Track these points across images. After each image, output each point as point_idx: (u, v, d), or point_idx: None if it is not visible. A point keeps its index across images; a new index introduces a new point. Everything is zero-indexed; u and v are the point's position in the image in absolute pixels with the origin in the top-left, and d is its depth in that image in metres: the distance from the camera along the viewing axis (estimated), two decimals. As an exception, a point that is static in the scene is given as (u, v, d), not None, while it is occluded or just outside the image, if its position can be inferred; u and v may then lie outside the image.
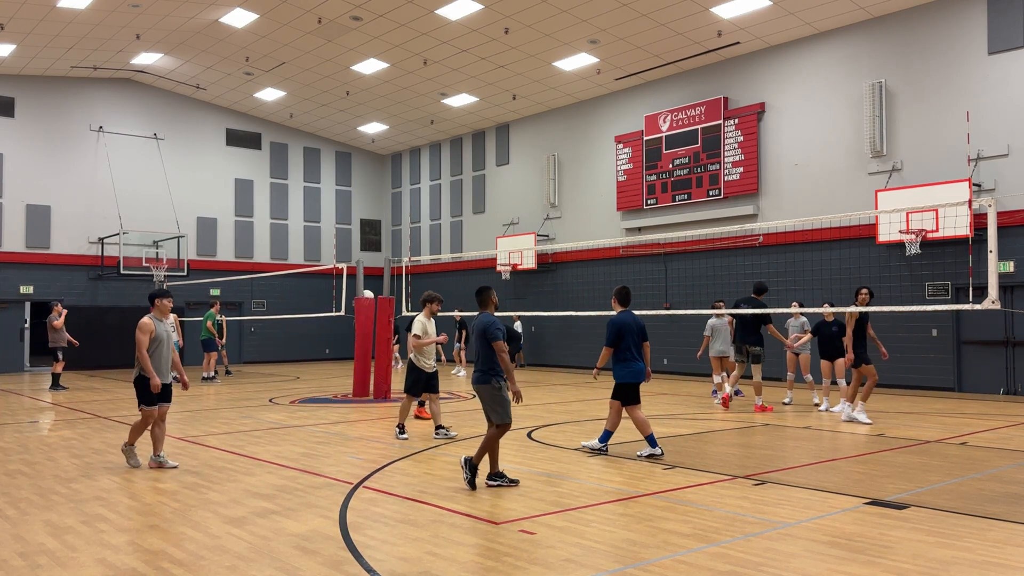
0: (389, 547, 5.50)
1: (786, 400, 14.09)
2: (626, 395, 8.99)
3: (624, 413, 9.08)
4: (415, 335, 10.39)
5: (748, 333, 13.05)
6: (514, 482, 7.37)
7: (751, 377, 13.16)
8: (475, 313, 7.81)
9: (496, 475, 7.38)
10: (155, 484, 7.66)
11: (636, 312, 9.20)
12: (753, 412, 12.88)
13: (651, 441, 8.86)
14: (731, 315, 13.94)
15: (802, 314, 14.80)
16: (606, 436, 9.12)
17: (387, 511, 6.51)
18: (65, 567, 5.10)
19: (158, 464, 8.44)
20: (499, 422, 7.35)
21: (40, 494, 7.23)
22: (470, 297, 26.71)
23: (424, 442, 10.08)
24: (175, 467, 8.45)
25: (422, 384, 10.53)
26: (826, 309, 12.82)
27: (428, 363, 10.52)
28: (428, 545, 5.54)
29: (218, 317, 20.62)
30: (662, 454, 8.82)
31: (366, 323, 15.62)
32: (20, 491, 7.36)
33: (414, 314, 13.50)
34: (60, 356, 17.84)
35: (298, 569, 5.03)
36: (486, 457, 7.43)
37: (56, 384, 17.72)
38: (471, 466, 7.27)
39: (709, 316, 15.03)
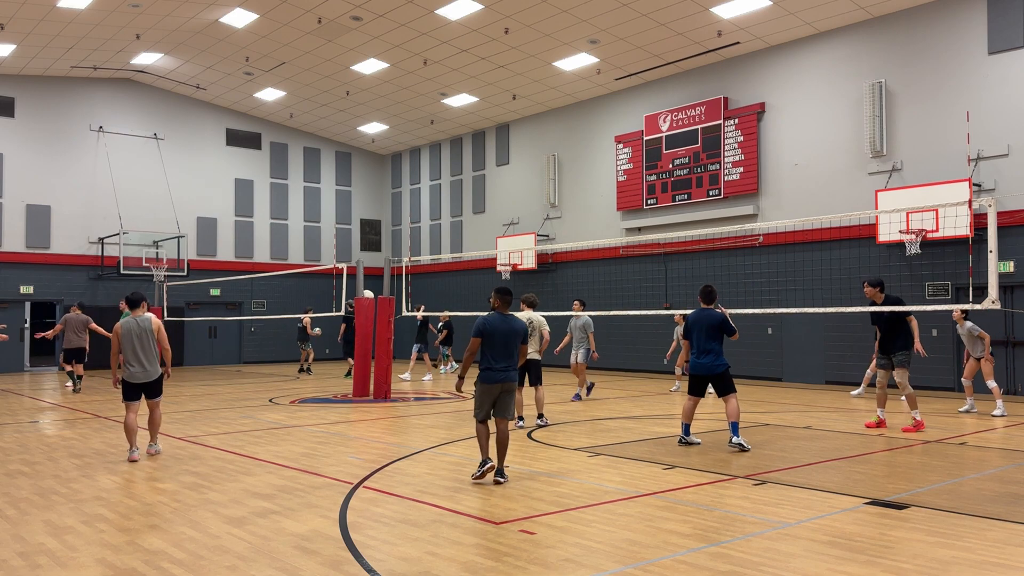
0: (389, 547, 5.50)
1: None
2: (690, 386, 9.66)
3: (725, 400, 9.46)
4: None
5: (897, 337, 11.09)
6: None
7: (893, 386, 11.44)
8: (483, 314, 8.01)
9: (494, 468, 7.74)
10: (155, 484, 7.66)
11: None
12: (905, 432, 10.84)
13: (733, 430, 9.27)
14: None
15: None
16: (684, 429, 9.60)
17: (387, 511, 6.51)
18: (65, 567, 5.10)
19: (157, 452, 9.23)
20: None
21: (40, 494, 7.22)
22: (470, 297, 26.23)
23: (424, 442, 10.08)
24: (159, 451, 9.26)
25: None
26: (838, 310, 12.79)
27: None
28: (428, 545, 5.54)
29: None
30: (745, 448, 9.14)
31: (366, 323, 15.62)
32: (20, 491, 7.36)
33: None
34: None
35: (298, 569, 5.03)
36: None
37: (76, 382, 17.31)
38: (502, 473, 7.60)
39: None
